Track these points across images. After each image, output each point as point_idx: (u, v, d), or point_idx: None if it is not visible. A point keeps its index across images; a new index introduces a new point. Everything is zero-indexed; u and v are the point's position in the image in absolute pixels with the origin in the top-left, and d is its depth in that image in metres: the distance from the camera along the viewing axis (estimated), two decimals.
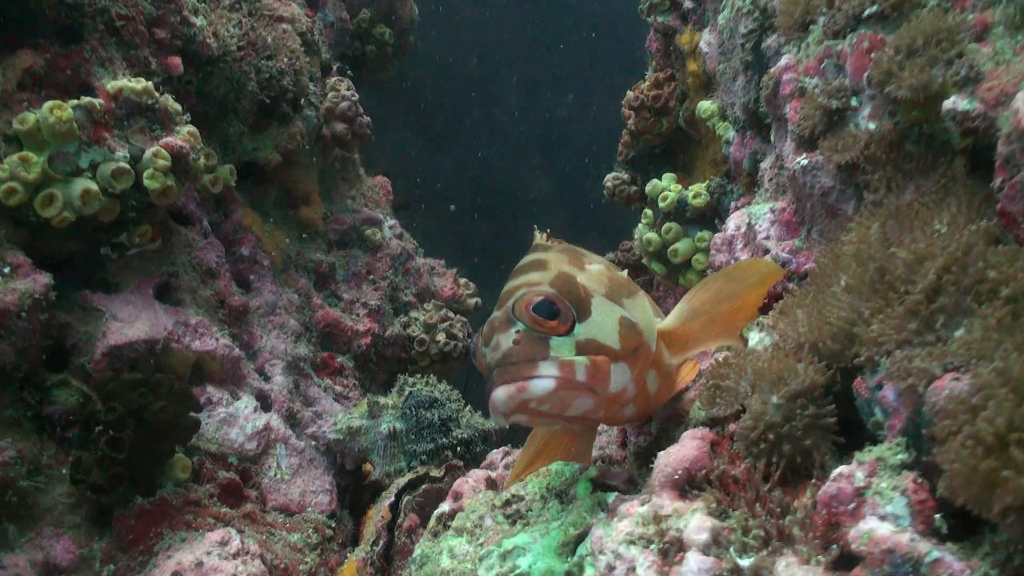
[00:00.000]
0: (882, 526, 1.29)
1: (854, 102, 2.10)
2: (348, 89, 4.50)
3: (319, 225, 4.39)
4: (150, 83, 2.84)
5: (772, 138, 2.60)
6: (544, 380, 1.68)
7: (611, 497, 1.99)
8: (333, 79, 4.56)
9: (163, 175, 2.75)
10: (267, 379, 3.42)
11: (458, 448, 3.19)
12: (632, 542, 1.61)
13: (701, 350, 2.09)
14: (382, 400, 3.28)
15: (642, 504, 1.69)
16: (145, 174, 2.74)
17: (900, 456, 1.39)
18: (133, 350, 2.77)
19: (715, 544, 1.51)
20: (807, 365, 1.62)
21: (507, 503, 2.22)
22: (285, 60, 3.68)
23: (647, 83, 4.10)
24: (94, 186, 2.63)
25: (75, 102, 2.63)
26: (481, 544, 2.13)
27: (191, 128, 2.94)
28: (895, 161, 1.93)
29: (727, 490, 1.63)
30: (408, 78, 8.67)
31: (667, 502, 1.65)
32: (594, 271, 1.96)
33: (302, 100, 4.01)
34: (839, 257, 1.78)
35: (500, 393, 1.67)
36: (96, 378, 2.59)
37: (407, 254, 4.77)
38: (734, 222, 2.60)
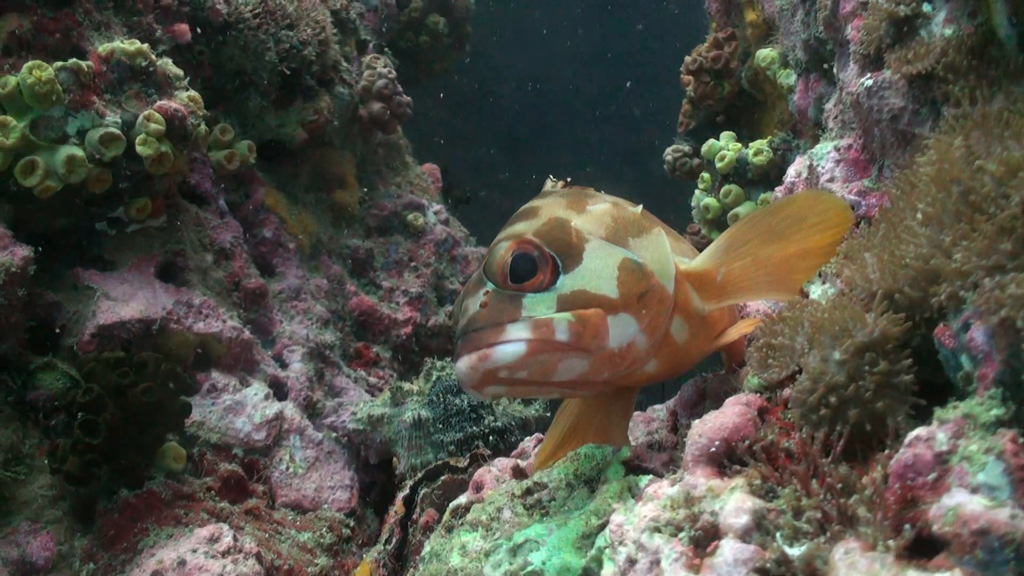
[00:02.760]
0: (972, 500, 1.02)
1: (926, 8, 1.81)
2: (385, 67, 4.27)
3: (355, 210, 4.16)
4: (144, 45, 2.63)
5: (835, 71, 2.28)
6: (512, 345, 1.50)
7: (644, 481, 1.71)
8: (368, 57, 4.34)
9: (157, 141, 2.53)
10: (284, 366, 3.19)
11: (491, 437, 2.88)
12: (657, 529, 1.33)
13: (745, 300, 1.78)
14: (407, 386, 2.99)
15: (672, 485, 1.41)
16: (137, 140, 2.53)
17: (994, 411, 1.11)
18: (126, 330, 2.55)
19: (757, 529, 1.21)
20: (878, 314, 1.31)
21: (528, 492, 1.93)
22: (308, 31, 3.46)
23: (706, 44, 3.79)
24: (80, 152, 2.43)
25: (60, 64, 2.44)
26: (497, 539, 1.83)
27: (192, 93, 2.72)
28: (978, 68, 1.64)
29: (776, 464, 1.33)
30: (483, 84, 8.58)
31: (701, 480, 1.36)
32: (596, 211, 1.71)
33: (332, 76, 3.79)
34: (914, 185, 1.46)
35: (461, 365, 1.52)
36: (78, 358, 2.37)
37: (453, 240, 4.50)
38: (794, 168, 2.30)
